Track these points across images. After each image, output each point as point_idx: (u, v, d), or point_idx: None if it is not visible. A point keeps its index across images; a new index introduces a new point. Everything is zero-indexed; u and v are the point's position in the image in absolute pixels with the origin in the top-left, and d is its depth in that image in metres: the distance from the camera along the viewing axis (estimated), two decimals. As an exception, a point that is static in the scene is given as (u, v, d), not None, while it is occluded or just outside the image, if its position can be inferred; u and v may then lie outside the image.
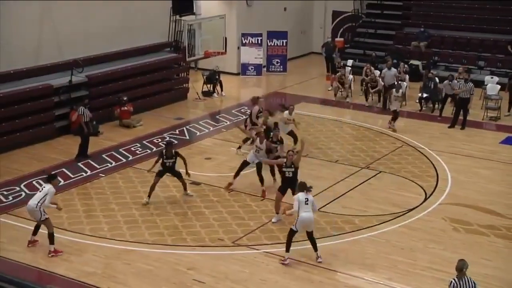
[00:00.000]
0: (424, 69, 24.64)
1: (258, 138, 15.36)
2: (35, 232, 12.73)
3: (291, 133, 18.01)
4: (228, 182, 15.61)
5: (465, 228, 13.73)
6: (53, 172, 13.51)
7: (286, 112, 17.98)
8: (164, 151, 14.78)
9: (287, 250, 12.17)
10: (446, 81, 21.50)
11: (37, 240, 12.76)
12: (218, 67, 24.93)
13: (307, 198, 11.95)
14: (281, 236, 13.24)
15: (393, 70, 22.41)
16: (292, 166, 13.52)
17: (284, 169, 13.64)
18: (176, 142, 17.88)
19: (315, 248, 12.23)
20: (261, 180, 15.20)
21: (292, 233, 12.07)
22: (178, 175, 15.00)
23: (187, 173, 14.92)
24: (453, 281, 9.58)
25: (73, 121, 19.22)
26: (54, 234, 12.42)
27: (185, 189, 15.15)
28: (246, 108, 22.58)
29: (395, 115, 20.01)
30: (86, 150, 17.62)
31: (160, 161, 14.74)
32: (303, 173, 16.43)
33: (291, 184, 13.43)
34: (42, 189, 12.38)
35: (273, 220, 13.92)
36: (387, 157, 17.84)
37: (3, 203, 14.80)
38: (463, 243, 13.10)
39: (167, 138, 18.38)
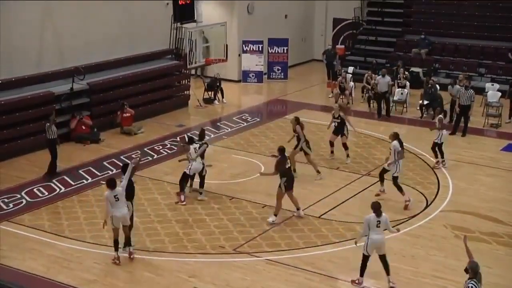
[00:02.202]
0: (425, 76, 24.63)
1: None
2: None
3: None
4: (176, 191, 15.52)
5: (466, 235, 13.66)
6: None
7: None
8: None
9: (361, 274, 11.65)
10: (449, 86, 21.49)
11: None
12: (219, 74, 24.98)
13: (379, 221, 11.39)
14: (283, 244, 13.24)
15: (387, 77, 22.44)
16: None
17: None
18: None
19: (387, 271, 11.62)
20: (181, 187, 15.19)
21: (365, 258, 11.57)
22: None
23: None
24: (472, 285, 9.27)
25: (73, 128, 19.28)
26: (56, 242, 12.36)
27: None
28: (247, 115, 22.65)
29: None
30: (55, 168, 16.89)
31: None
32: (305, 180, 16.49)
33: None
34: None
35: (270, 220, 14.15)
36: (388, 164, 17.80)
37: (4, 211, 14.79)
38: (464, 250, 13.03)
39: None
